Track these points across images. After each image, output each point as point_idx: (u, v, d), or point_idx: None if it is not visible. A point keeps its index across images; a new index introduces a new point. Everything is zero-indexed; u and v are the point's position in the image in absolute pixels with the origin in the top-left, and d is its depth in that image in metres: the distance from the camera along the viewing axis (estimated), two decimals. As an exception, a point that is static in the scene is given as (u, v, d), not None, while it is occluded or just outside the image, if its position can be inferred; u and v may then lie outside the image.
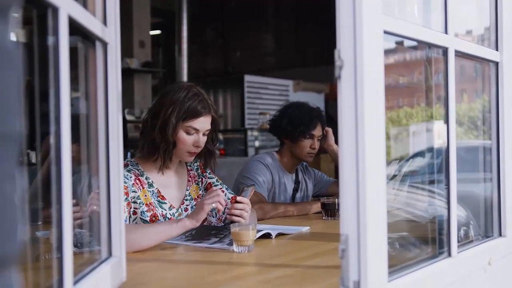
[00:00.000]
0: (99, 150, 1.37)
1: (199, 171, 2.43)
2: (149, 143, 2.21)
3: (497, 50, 1.83)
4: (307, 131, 2.99)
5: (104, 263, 1.34)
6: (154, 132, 2.17)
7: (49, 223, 1.21)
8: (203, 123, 2.21)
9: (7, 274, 0.56)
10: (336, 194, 2.97)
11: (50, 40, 1.02)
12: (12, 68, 0.56)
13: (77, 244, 1.35)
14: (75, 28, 1.12)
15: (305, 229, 2.36)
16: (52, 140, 1.01)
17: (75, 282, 1.10)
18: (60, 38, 1.01)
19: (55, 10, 1.00)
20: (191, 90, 2.21)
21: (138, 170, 2.22)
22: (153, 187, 2.23)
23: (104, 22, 1.36)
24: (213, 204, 1.98)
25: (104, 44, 1.36)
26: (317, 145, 3.03)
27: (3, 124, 0.55)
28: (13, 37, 0.57)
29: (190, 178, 2.38)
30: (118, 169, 1.40)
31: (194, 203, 2.34)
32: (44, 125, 1.06)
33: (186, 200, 2.34)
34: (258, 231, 2.04)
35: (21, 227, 0.59)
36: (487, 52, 1.79)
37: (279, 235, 2.19)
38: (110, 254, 1.38)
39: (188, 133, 2.19)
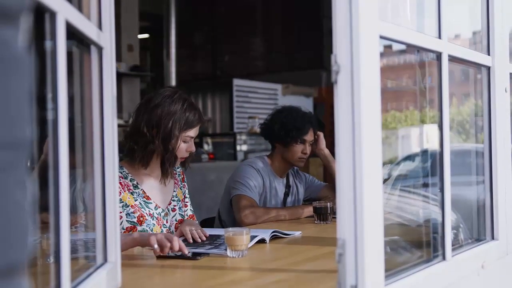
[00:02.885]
0: (94, 155, 1.36)
1: (180, 177, 2.51)
2: (150, 154, 2.26)
3: (488, 54, 1.84)
4: (300, 136, 2.99)
5: (100, 268, 1.33)
6: (154, 144, 2.23)
7: (42, 229, 1.20)
8: (197, 130, 2.34)
9: (19, 280, 0.56)
10: (327, 198, 2.98)
11: (47, 44, 1.02)
12: (23, 74, 0.55)
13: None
14: (71, 33, 1.12)
15: (297, 233, 2.36)
16: (50, 144, 1.01)
17: (72, 289, 1.09)
18: (58, 42, 1.01)
19: (53, 15, 1.00)
20: (186, 100, 2.30)
21: (121, 173, 2.25)
22: (139, 188, 2.28)
23: (100, 26, 1.35)
24: (155, 246, 1.83)
25: (100, 49, 1.35)
26: (308, 150, 3.03)
27: (15, 130, 0.55)
28: (23, 42, 0.57)
29: (176, 181, 2.46)
30: (113, 174, 1.39)
31: (181, 204, 2.43)
32: (38, 129, 1.05)
33: (174, 200, 2.41)
34: (252, 237, 2.03)
35: (31, 234, 0.59)
36: (479, 57, 1.81)
37: (274, 238, 2.19)
38: (105, 260, 1.37)
39: (184, 141, 2.29)
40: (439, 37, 1.54)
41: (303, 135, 3.00)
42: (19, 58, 0.56)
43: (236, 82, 8.20)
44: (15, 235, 0.55)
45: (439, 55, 1.54)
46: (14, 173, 0.55)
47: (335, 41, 1.19)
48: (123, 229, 2.18)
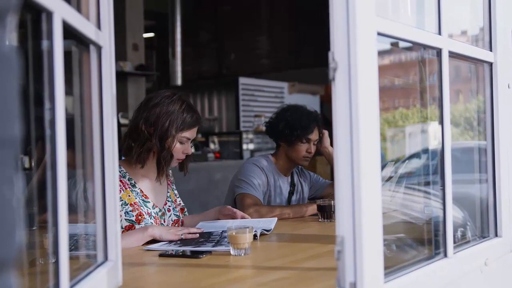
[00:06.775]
0: (94, 155, 1.37)
1: (172, 179, 2.56)
2: (146, 152, 2.29)
3: (491, 50, 1.83)
4: (304, 135, 2.98)
5: (100, 267, 1.33)
6: (151, 142, 2.27)
7: (44, 228, 1.20)
8: (195, 132, 2.38)
9: (6, 277, 0.56)
10: (332, 196, 2.97)
11: (44, 44, 1.02)
12: (10, 72, 0.56)
13: (71, 247, 1.34)
14: (69, 32, 1.12)
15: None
16: (47, 144, 1.01)
17: (71, 286, 1.10)
18: (55, 42, 1.01)
19: (49, 15, 1.00)
20: (184, 102, 2.34)
21: (120, 172, 2.28)
22: (136, 187, 2.32)
23: (98, 26, 1.36)
24: (182, 236, 2.13)
25: (98, 48, 1.35)
26: (313, 149, 3.03)
27: (3, 128, 0.55)
28: (10, 41, 0.57)
29: (169, 182, 2.52)
30: (113, 173, 1.40)
31: (174, 205, 2.48)
32: (38, 129, 1.05)
33: (168, 201, 2.46)
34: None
35: (20, 231, 0.59)
36: (481, 53, 1.80)
37: (266, 235, 2.23)
38: (106, 258, 1.38)
39: (181, 142, 2.33)
40: (439, 33, 1.53)
41: (308, 134, 2.99)
42: (6, 57, 0.56)
43: (242, 80, 8.19)
44: (3, 231, 0.55)
45: (439, 52, 1.53)
46: (2, 170, 0.56)
47: (332, 38, 1.19)
48: (122, 227, 2.20)
